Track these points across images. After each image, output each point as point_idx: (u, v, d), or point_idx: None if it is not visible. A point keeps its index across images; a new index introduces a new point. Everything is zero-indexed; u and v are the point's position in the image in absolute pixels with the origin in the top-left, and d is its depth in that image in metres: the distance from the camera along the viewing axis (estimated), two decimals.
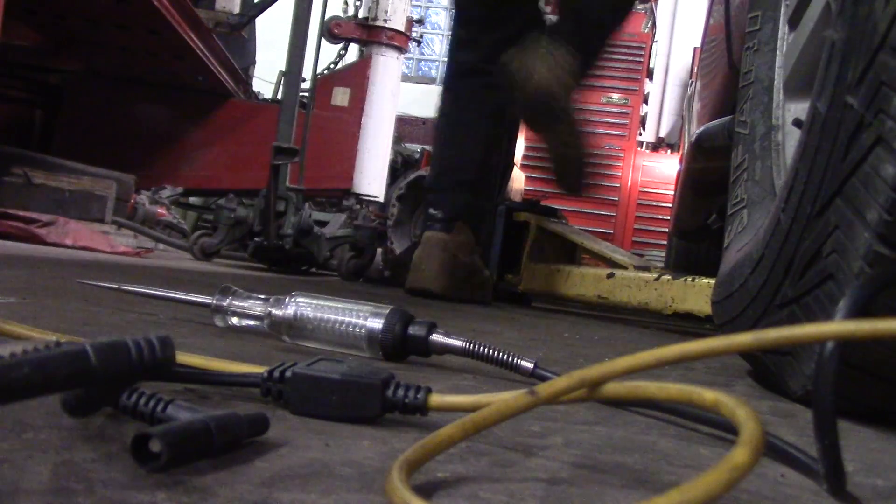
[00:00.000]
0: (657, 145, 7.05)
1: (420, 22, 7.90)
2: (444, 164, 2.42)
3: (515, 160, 3.00)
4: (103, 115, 4.78)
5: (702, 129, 1.99)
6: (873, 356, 0.67)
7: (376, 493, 0.35)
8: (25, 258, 1.89)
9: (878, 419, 0.74)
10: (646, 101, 7.04)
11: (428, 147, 5.60)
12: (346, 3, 5.63)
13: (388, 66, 5.44)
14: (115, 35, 4.02)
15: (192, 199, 5.58)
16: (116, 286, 0.92)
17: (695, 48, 5.74)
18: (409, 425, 0.49)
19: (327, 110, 5.19)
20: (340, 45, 5.71)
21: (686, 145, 3.04)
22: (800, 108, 1.04)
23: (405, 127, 7.99)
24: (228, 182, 4.76)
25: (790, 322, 0.77)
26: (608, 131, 6.16)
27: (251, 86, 5.54)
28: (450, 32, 2.66)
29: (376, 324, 0.75)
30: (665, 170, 6.29)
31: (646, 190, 6.38)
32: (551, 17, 2.47)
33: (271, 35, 6.09)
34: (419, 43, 7.74)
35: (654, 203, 6.29)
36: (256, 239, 2.88)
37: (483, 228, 2.40)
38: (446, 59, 2.65)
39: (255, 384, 0.50)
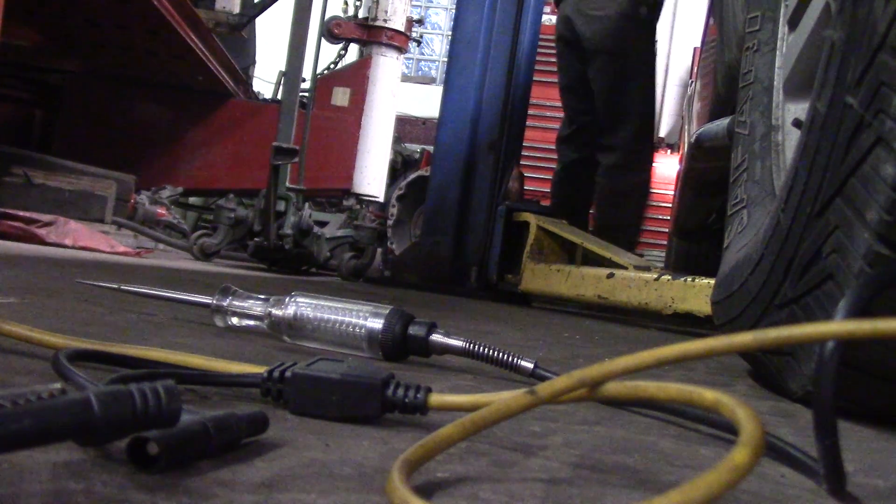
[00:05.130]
0: (657, 145, 7.05)
1: (420, 22, 7.90)
2: None
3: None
4: (103, 115, 4.78)
5: (702, 129, 1.99)
6: (873, 356, 0.67)
7: (376, 493, 0.35)
8: (25, 258, 1.89)
9: (878, 419, 0.74)
10: None
11: (428, 147, 5.59)
12: (346, 3, 5.63)
13: (388, 66, 5.43)
14: (115, 35, 4.02)
15: (192, 199, 5.58)
16: (116, 286, 0.92)
17: (695, 48, 5.74)
18: (409, 425, 0.49)
19: (327, 110, 5.19)
20: (340, 45, 5.70)
21: (686, 145, 3.04)
22: (800, 108, 1.04)
23: (405, 127, 7.99)
24: (228, 182, 4.76)
25: (790, 322, 0.77)
26: None
27: (251, 86, 5.54)
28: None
29: (376, 324, 0.75)
30: (665, 170, 6.29)
31: None
32: None
33: (271, 35, 6.09)
34: (419, 43, 7.74)
35: (654, 203, 6.29)
36: (256, 239, 2.88)
37: None
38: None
39: (255, 384, 0.50)
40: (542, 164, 5.20)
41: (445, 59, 7.18)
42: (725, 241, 1.12)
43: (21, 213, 2.70)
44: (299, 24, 3.13)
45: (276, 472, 0.36)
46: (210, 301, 0.84)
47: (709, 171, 2.14)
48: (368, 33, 5.46)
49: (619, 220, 3.23)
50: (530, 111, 3.26)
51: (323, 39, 5.07)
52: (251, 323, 0.82)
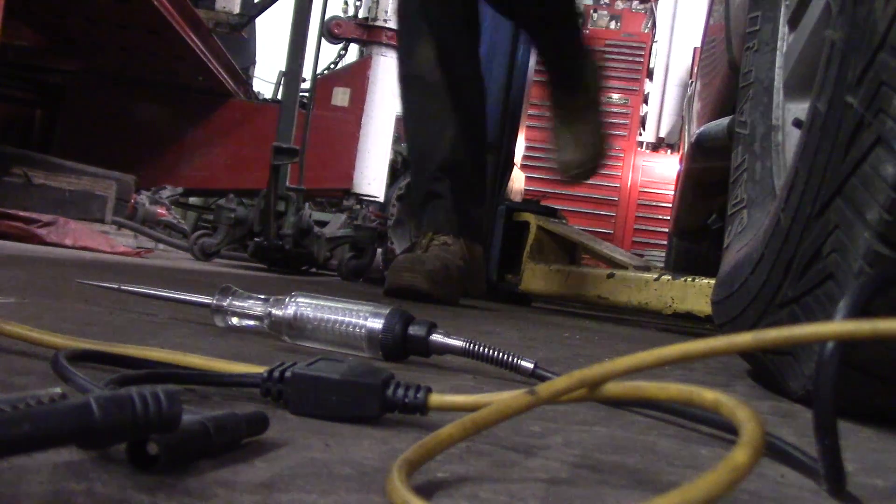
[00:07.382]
0: (657, 145, 7.06)
1: None
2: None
3: (515, 160, 3.00)
4: (103, 115, 4.78)
5: (702, 129, 1.99)
6: (873, 356, 0.67)
7: (376, 493, 0.35)
8: (25, 258, 1.89)
9: (878, 419, 0.74)
10: (646, 101, 7.05)
11: None
12: (346, 3, 5.63)
13: (388, 66, 5.43)
14: (115, 35, 4.02)
15: (192, 199, 5.58)
16: (116, 286, 0.92)
17: (695, 48, 5.74)
18: (409, 425, 0.49)
19: (327, 110, 5.19)
20: (340, 45, 5.71)
21: (686, 145, 3.04)
22: (800, 108, 1.04)
23: None
24: (228, 182, 4.76)
25: (790, 322, 0.77)
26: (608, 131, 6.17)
27: (251, 86, 5.54)
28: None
29: (376, 324, 0.75)
30: (665, 170, 6.30)
31: (646, 190, 6.39)
32: None
33: (271, 35, 6.10)
34: None
35: (654, 203, 6.30)
36: (256, 239, 2.88)
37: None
38: None
39: (255, 384, 0.50)
40: (542, 164, 5.21)
41: None
42: (725, 241, 1.12)
43: (21, 213, 2.69)
44: (299, 24, 3.13)
45: (276, 472, 0.36)
46: (210, 301, 0.84)
47: (709, 171, 2.14)
48: (368, 33, 5.46)
49: None
50: (530, 111, 3.25)
51: (323, 39, 5.07)
52: (251, 323, 0.82)
